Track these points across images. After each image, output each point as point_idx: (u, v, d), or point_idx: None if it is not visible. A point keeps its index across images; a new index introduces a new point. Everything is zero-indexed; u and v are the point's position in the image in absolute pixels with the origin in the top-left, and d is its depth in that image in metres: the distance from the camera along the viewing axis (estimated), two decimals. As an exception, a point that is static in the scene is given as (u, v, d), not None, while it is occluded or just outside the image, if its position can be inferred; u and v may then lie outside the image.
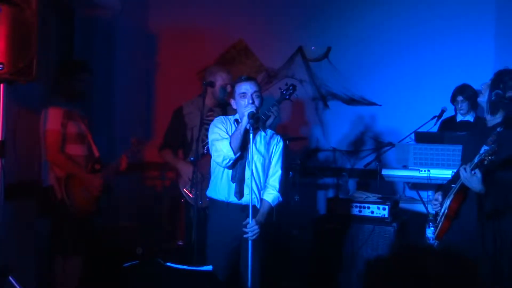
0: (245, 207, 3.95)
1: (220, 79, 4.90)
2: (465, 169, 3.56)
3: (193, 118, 4.95)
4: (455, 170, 4.30)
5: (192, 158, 4.77)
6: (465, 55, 5.93)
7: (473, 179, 3.53)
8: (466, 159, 3.90)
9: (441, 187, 4.15)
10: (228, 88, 4.88)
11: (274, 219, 4.41)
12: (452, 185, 3.88)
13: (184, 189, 4.99)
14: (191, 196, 4.81)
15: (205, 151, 4.75)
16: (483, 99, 3.86)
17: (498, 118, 3.79)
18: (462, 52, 5.96)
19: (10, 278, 3.63)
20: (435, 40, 6.08)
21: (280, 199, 4.12)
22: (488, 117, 3.84)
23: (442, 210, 3.88)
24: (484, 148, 3.59)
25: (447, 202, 3.81)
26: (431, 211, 4.07)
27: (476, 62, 5.88)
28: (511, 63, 5.38)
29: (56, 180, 4.42)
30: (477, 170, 3.52)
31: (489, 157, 3.43)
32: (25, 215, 4.30)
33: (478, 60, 5.85)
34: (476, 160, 3.50)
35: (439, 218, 3.92)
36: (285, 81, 6.33)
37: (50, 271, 4.58)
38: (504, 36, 5.69)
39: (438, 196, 4.00)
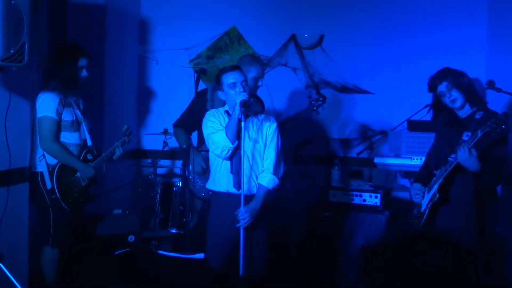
0: (246, 197, 3.95)
1: (254, 70, 4.78)
2: (463, 149, 3.61)
3: (216, 106, 4.86)
4: (423, 158, 4.39)
5: None
6: (458, 43, 5.93)
7: (471, 158, 3.61)
8: (442, 149, 3.96)
9: (418, 176, 4.19)
10: (260, 82, 4.76)
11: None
12: (435, 172, 3.92)
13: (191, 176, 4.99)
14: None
15: None
16: (448, 99, 3.92)
17: (472, 108, 3.88)
18: (456, 40, 5.95)
19: (1, 265, 3.61)
20: (428, 28, 6.06)
21: (276, 181, 4.10)
22: (466, 107, 3.92)
23: (429, 198, 3.92)
24: (467, 133, 3.66)
25: (435, 188, 3.85)
26: (415, 200, 4.10)
27: (469, 50, 5.88)
28: (504, 50, 5.44)
29: (47, 167, 4.35)
30: (473, 150, 3.58)
31: (498, 128, 3.48)
32: (17, 202, 4.26)
33: (471, 47, 5.86)
34: (479, 134, 3.54)
35: (424, 206, 3.96)
36: (279, 68, 6.39)
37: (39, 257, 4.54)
38: (497, 22, 5.68)
39: (419, 185, 4.06)
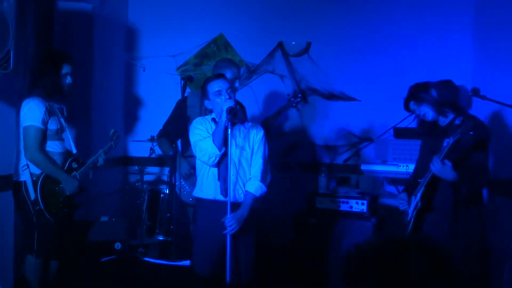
0: (233, 204, 3.95)
1: (229, 72, 4.76)
2: (436, 160, 3.66)
3: (196, 112, 4.89)
4: (409, 165, 4.44)
5: None
6: (444, 51, 5.98)
7: (445, 169, 3.66)
8: (426, 156, 4.01)
9: (407, 185, 4.25)
10: (237, 83, 4.78)
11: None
12: (419, 180, 3.96)
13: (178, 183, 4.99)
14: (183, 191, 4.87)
15: None
16: (420, 115, 3.99)
17: (450, 116, 3.94)
18: (441, 48, 6.01)
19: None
20: (414, 37, 6.12)
21: (264, 188, 4.09)
22: (442, 118, 4.00)
23: (413, 206, 3.95)
24: (447, 140, 3.70)
25: (418, 196, 3.89)
26: (401, 208, 4.16)
27: (455, 58, 5.94)
28: (489, 57, 5.49)
29: (31, 177, 4.22)
30: (446, 160, 3.63)
31: (466, 135, 3.53)
32: (2, 210, 4.23)
33: (457, 55, 5.91)
34: (451, 141, 3.59)
35: (410, 215, 3.99)
36: (266, 75, 6.41)
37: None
38: (482, 31, 5.74)
39: (404, 195, 4.11)
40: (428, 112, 3.96)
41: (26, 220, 4.25)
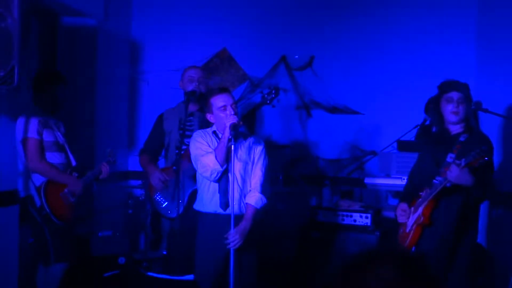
0: (235, 218, 3.95)
1: (187, 75, 4.98)
2: (454, 167, 3.63)
3: (171, 123, 4.95)
4: (405, 177, 4.43)
5: (174, 167, 4.75)
6: (447, 64, 5.98)
7: (464, 174, 3.61)
8: (427, 168, 3.99)
9: (404, 196, 4.22)
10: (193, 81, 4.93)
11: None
12: (421, 193, 3.94)
13: (154, 197, 4.95)
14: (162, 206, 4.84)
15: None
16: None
17: (459, 128, 3.93)
18: (445, 62, 6.00)
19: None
20: (417, 49, 6.12)
21: (264, 200, 4.09)
22: (451, 127, 3.96)
23: (414, 219, 3.93)
24: (451, 155, 3.70)
25: (420, 210, 3.87)
26: (399, 220, 4.12)
27: (457, 71, 5.92)
28: (492, 72, 5.50)
29: (34, 189, 4.35)
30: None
31: (481, 160, 3.53)
32: (7, 225, 4.24)
33: (460, 69, 5.90)
34: (463, 164, 3.56)
35: (409, 227, 3.98)
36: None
37: (33, 280, 4.52)
38: (485, 43, 5.75)
39: (404, 206, 4.08)
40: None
41: (37, 229, 4.37)
